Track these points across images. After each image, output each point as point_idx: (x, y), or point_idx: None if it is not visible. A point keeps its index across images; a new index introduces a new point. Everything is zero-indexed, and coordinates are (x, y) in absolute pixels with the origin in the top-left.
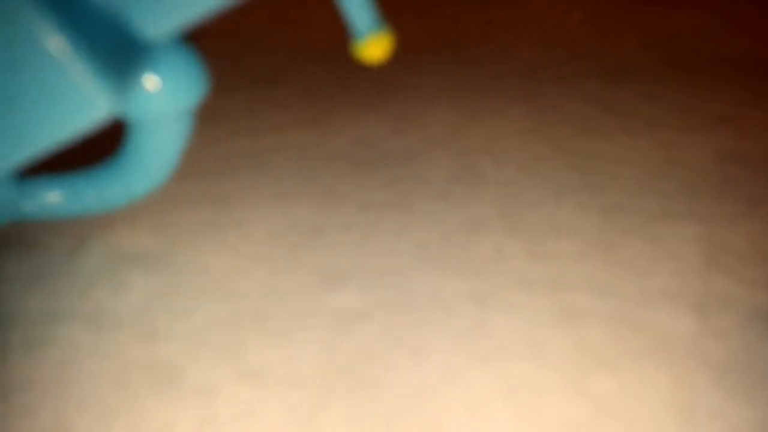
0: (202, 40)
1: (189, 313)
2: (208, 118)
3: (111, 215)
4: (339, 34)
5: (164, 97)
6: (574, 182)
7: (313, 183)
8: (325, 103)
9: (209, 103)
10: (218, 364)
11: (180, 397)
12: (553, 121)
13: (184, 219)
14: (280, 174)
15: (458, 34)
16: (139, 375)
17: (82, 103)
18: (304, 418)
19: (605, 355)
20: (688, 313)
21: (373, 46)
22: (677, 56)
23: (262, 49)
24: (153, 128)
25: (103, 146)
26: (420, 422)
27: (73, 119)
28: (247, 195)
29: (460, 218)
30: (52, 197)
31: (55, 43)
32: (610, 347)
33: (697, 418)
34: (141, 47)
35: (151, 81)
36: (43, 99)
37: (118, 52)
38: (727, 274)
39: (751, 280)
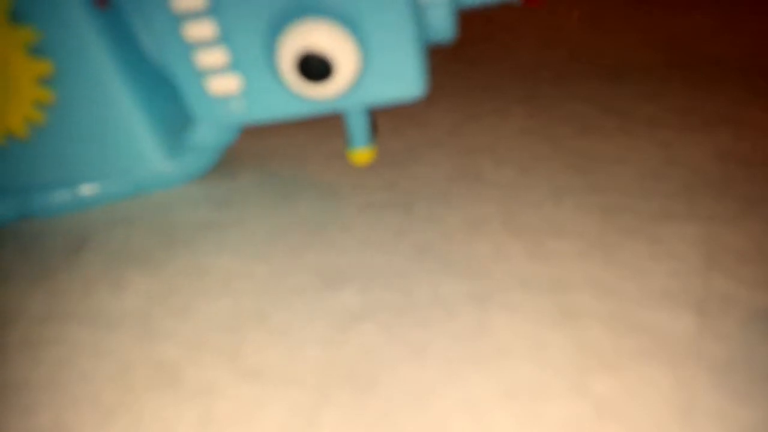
0: None
1: (189, 313)
2: None
3: (111, 215)
4: None
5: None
6: (574, 182)
7: (312, 183)
8: None
9: None
10: (218, 364)
11: (180, 396)
12: (553, 121)
13: (184, 219)
14: (280, 174)
15: (458, 33)
16: (138, 375)
17: (138, 159)
18: (304, 418)
19: (605, 355)
20: (688, 313)
21: (361, 155)
22: (677, 56)
23: None
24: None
25: None
26: (420, 422)
27: (128, 170)
28: (247, 195)
29: (460, 218)
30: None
31: (133, 113)
32: (610, 347)
33: (697, 418)
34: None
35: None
36: (107, 147)
37: (174, 121)
38: (727, 274)
39: (751, 280)
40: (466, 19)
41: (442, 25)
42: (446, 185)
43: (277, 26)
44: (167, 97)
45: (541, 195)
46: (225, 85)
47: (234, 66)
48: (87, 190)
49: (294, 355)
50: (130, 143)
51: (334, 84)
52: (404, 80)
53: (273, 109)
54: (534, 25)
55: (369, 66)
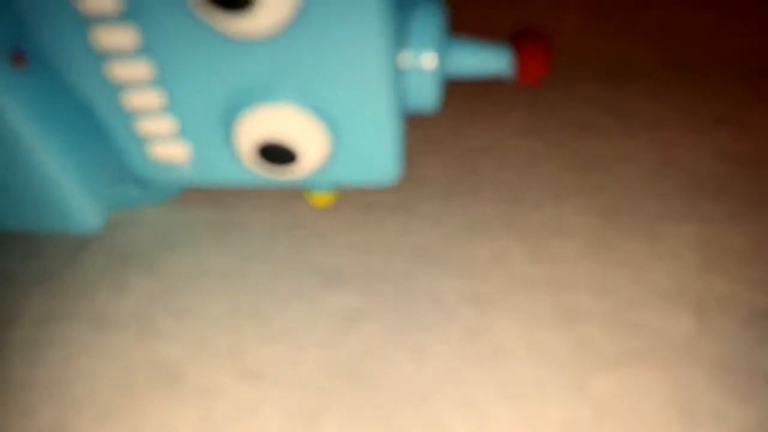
0: None
1: (189, 314)
2: None
3: (112, 216)
4: None
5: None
6: (574, 183)
7: None
8: None
9: None
10: (218, 364)
11: (180, 397)
12: (552, 122)
13: (184, 219)
14: None
15: (457, 34)
16: (139, 375)
17: (67, 215)
18: (304, 418)
19: (605, 356)
20: (687, 313)
21: (321, 198)
22: (677, 56)
23: None
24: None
25: None
26: (420, 422)
27: (54, 223)
28: (247, 195)
29: (460, 219)
30: None
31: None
32: (609, 347)
33: (695, 417)
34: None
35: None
36: (34, 200)
37: (108, 176)
38: (725, 275)
39: (750, 281)
40: (465, 19)
41: (425, 96)
42: (446, 186)
43: (234, 104)
44: (101, 150)
45: (541, 196)
46: (171, 152)
47: (182, 134)
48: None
49: (294, 356)
50: (57, 206)
51: (297, 169)
52: (378, 164)
53: (226, 176)
54: (533, 24)
55: (339, 149)
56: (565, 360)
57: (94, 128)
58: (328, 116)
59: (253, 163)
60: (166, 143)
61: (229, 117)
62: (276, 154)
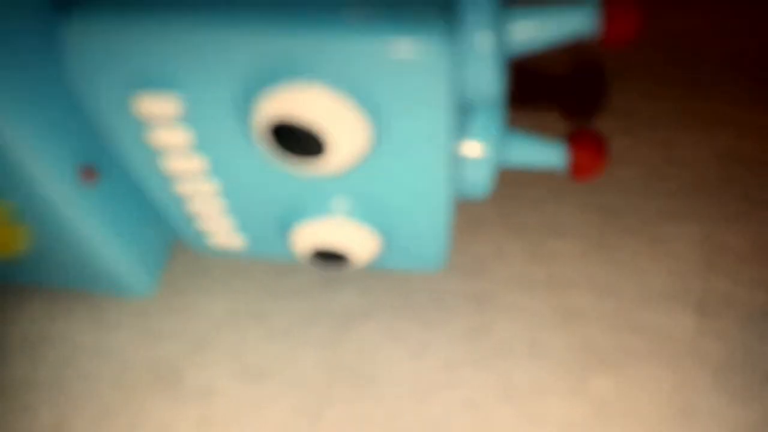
0: None
1: (189, 313)
2: None
3: None
4: None
5: None
6: (574, 182)
7: None
8: None
9: None
10: (218, 364)
11: (180, 396)
12: (552, 120)
13: None
14: None
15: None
16: (139, 375)
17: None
18: (304, 418)
19: (605, 355)
20: (688, 313)
21: None
22: (677, 56)
23: None
24: None
25: None
26: (420, 422)
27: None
28: None
29: (460, 218)
30: None
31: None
32: (609, 347)
33: (696, 417)
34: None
35: None
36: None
37: (158, 249)
38: (726, 274)
39: (750, 280)
40: None
41: (480, 187)
42: None
43: (289, 215)
44: (155, 232)
45: (542, 195)
46: (228, 242)
47: (239, 230)
48: None
49: (294, 355)
50: (114, 283)
51: (348, 267)
52: (427, 255)
53: (278, 256)
54: None
55: (391, 245)
56: (565, 360)
57: (151, 215)
58: (383, 222)
59: (305, 261)
60: (223, 236)
61: (284, 223)
62: (329, 257)
